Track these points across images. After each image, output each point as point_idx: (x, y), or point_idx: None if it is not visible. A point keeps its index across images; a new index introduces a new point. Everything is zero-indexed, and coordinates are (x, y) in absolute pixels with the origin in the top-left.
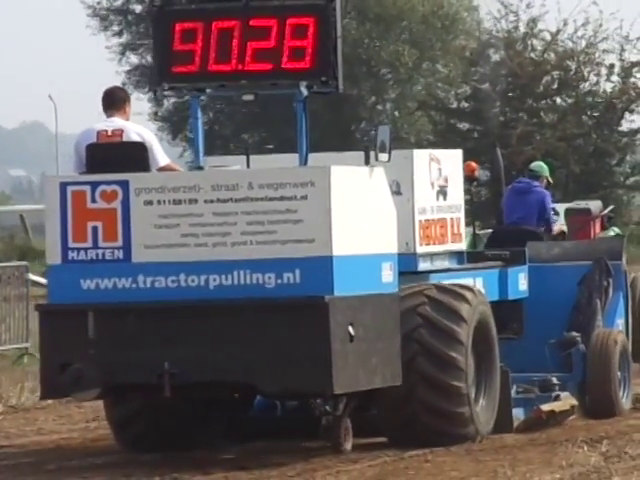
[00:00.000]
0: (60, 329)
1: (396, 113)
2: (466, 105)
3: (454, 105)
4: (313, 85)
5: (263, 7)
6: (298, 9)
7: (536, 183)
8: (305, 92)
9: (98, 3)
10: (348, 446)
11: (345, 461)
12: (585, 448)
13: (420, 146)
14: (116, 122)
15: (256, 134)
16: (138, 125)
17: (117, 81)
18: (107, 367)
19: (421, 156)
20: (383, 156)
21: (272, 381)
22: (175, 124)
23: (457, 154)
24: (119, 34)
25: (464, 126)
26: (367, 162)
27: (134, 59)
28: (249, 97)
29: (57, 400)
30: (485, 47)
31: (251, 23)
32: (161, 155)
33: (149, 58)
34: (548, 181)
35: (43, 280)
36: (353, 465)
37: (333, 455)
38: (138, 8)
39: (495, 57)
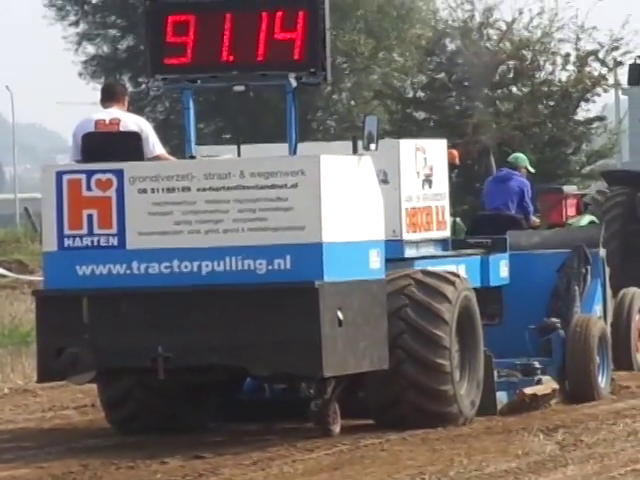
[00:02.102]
0: (56, 314)
1: (352, 102)
2: (422, 94)
3: (410, 94)
4: (302, 76)
5: (253, 0)
6: (287, 2)
7: (516, 172)
8: (294, 83)
9: None
10: (337, 429)
11: (301, 450)
12: (541, 437)
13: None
14: (114, 112)
15: (212, 124)
16: (135, 115)
17: (74, 71)
18: (102, 351)
19: (407, 146)
20: (371, 146)
21: (263, 364)
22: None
23: (442, 144)
24: (76, 24)
25: (420, 115)
26: (355, 151)
27: (91, 49)
28: (240, 88)
29: (14, 390)
30: (441, 36)
31: (241, 16)
32: (157, 144)
33: (105, 48)
34: (528, 170)
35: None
36: (309, 454)
37: (289, 444)
38: None
39: (451, 46)
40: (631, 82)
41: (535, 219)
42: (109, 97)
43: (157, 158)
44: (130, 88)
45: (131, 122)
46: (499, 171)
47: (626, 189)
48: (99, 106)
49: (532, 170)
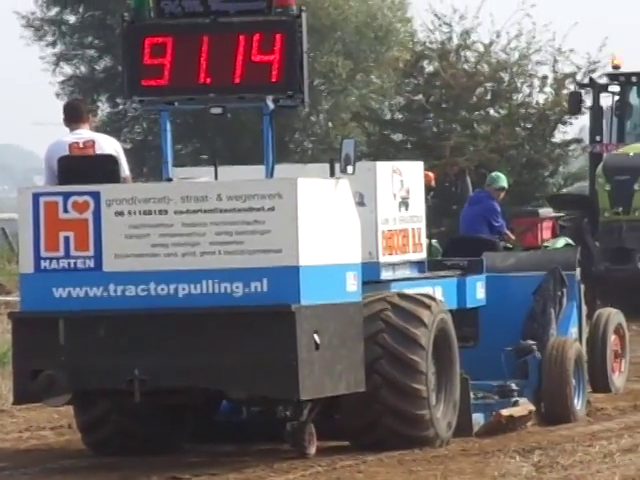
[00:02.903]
0: (32, 336)
1: (330, 124)
2: (400, 116)
3: (388, 116)
4: (279, 99)
5: (230, 23)
6: (265, 25)
7: (485, 193)
8: (272, 106)
9: (32, 13)
10: (312, 450)
11: (278, 471)
12: (517, 458)
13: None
14: (85, 134)
15: (189, 145)
16: (106, 135)
17: (51, 91)
18: (78, 373)
19: (384, 168)
20: (348, 168)
21: (240, 387)
22: (109, 134)
23: (418, 166)
24: (53, 44)
25: (398, 137)
26: (332, 174)
27: (68, 69)
28: (217, 110)
29: None
30: (419, 58)
31: (219, 38)
32: (126, 166)
33: (83, 68)
34: (500, 192)
35: None
36: (286, 475)
37: (265, 465)
38: (72, 19)
39: (429, 68)
40: (571, 111)
41: (509, 233)
42: (75, 117)
43: (126, 179)
44: (107, 109)
45: (106, 144)
46: (474, 193)
47: (572, 214)
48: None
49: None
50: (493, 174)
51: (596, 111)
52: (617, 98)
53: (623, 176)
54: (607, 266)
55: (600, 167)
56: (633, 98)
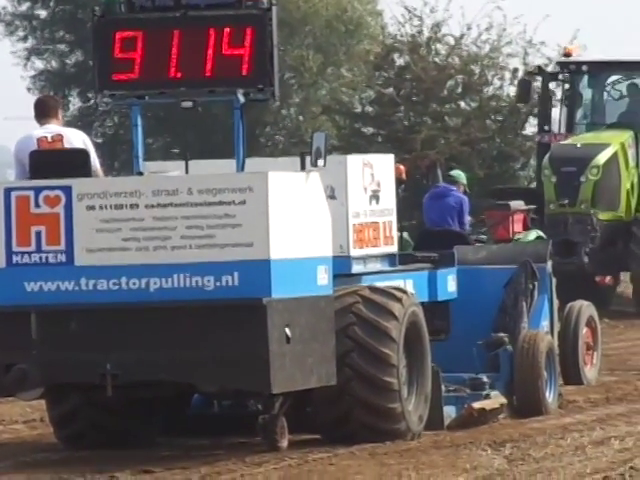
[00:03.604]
0: (4, 330)
1: (300, 117)
2: (370, 109)
3: (358, 109)
4: (250, 92)
5: (201, 17)
6: (235, 19)
7: (454, 188)
8: (242, 99)
9: (3, 8)
10: (284, 444)
11: (250, 464)
12: (489, 451)
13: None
14: (53, 128)
15: (160, 139)
16: (74, 129)
17: (22, 86)
18: (50, 367)
19: (355, 161)
20: (319, 162)
21: (211, 381)
22: (80, 129)
23: (389, 159)
24: (24, 39)
25: (368, 130)
26: (303, 168)
27: (39, 64)
28: (188, 104)
29: None
30: (389, 52)
31: (189, 32)
32: (96, 159)
33: (54, 63)
34: (465, 189)
35: None
36: (257, 468)
37: (237, 458)
38: (43, 13)
39: (399, 61)
40: (519, 100)
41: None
42: (44, 113)
43: (96, 172)
44: (79, 103)
45: (74, 137)
46: (435, 187)
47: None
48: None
49: (468, 191)
50: (459, 171)
51: (545, 100)
52: (567, 87)
53: (569, 168)
54: (553, 259)
55: (546, 158)
56: (583, 88)
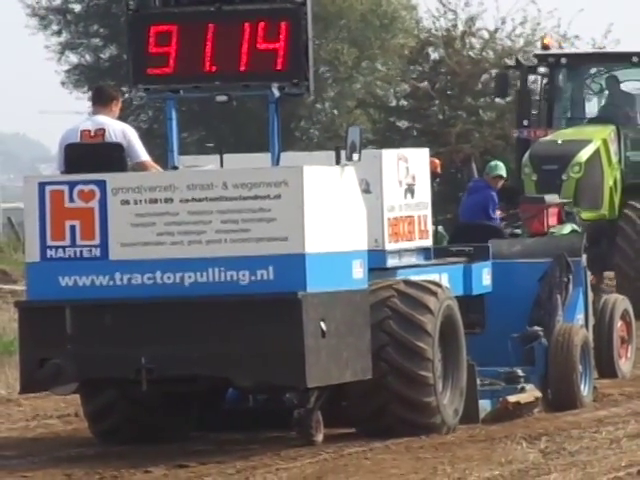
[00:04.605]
0: (39, 325)
1: (335, 112)
2: (405, 103)
3: (393, 103)
4: (285, 87)
5: (235, 11)
6: (270, 13)
7: (483, 183)
8: (277, 93)
9: (37, 2)
10: (319, 438)
11: (285, 459)
12: (524, 444)
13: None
14: (99, 120)
15: (195, 133)
16: (121, 122)
17: (56, 80)
18: (85, 362)
19: (389, 155)
20: (354, 156)
21: (246, 375)
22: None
23: (424, 153)
24: (58, 33)
25: (403, 124)
26: (338, 162)
27: (73, 58)
28: (222, 98)
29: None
30: (424, 45)
31: (224, 26)
32: (142, 151)
33: (88, 57)
34: (502, 178)
35: None
36: (293, 462)
37: (272, 453)
38: (77, 7)
39: (434, 55)
40: (497, 93)
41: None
42: (97, 101)
43: (142, 164)
44: None
45: (116, 131)
46: (470, 182)
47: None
48: (80, 115)
49: (507, 181)
50: (492, 163)
51: (523, 94)
52: (546, 81)
53: (551, 166)
54: None
55: (527, 156)
56: (562, 81)
